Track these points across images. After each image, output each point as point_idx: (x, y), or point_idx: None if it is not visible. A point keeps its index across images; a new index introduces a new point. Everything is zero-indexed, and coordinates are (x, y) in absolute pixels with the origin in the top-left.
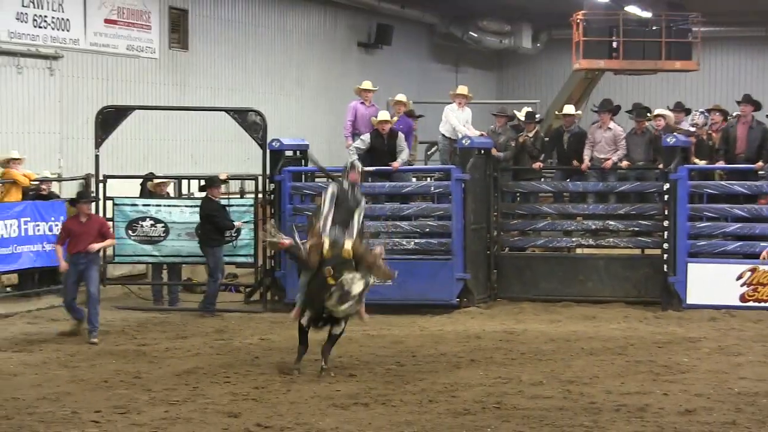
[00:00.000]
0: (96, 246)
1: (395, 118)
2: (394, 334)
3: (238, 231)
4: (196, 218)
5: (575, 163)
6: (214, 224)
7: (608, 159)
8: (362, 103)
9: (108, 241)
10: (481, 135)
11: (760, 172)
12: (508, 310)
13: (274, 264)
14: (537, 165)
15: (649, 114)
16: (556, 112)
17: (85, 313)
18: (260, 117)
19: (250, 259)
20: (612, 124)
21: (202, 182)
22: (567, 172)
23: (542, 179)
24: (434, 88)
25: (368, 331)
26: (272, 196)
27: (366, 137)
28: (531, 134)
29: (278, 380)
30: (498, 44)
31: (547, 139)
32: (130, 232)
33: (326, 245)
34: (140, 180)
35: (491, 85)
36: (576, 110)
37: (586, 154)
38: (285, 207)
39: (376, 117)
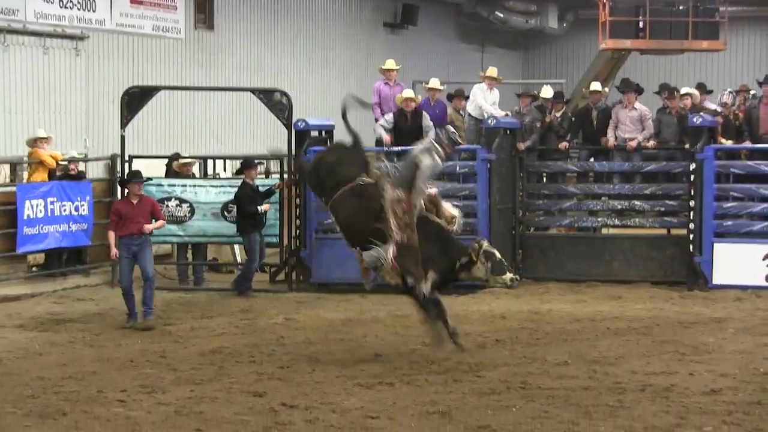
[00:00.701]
0: (150, 227)
1: (418, 97)
2: (415, 314)
3: (265, 213)
4: (222, 198)
5: (603, 140)
6: (239, 209)
7: (633, 139)
8: (386, 83)
9: (161, 222)
10: (507, 115)
11: None
12: (533, 290)
13: (299, 244)
14: (563, 145)
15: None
16: (584, 90)
17: (139, 310)
18: (286, 97)
19: (275, 239)
20: (638, 104)
21: (230, 163)
22: (592, 151)
23: (568, 159)
24: (460, 69)
25: (394, 311)
26: (297, 176)
27: (389, 117)
28: (558, 114)
29: (303, 360)
30: (524, 24)
31: (573, 118)
32: None
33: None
34: (166, 160)
35: (517, 65)
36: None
37: (610, 135)
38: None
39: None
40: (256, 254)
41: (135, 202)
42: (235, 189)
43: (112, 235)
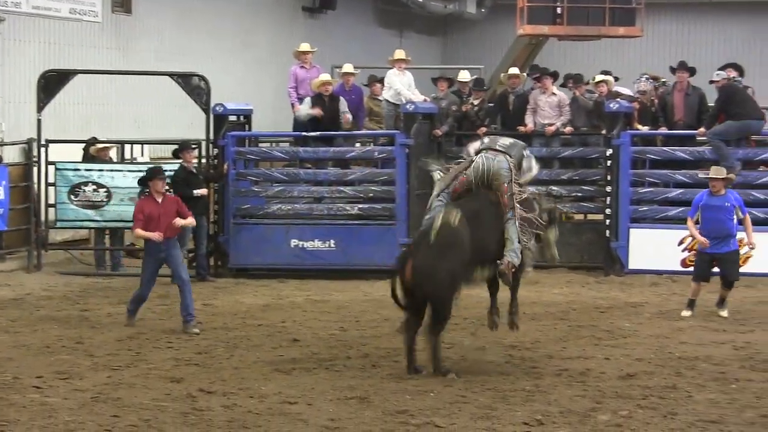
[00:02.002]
0: (181, 221)
1: (337, 80)
2: (337, 299)
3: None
4: None
5: (520, 129)
6: (174, 193)
7: (552, 125)
8: (302, 66)
9: (190, 219)
10: (425, 100)
11: (701, 138)
12: None
13: (217, 229)
14: (481, 130)
15: (591, 80)
16: (502, 75)
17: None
18: (204, 81)
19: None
20: (556, 89)
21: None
22: (511, 136)
23: None
24: (379, 54)
25: (312, 297)
26: (216, 161)
27: (308, 101)
28: (477, 102)
29: (221, 345)
30: (442, 9)
31: (491, 104)
32: (72, 197)
33: None
34: (83, 145)
35: (436, 50)
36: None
37: (529, 120)
38: (230, 173)
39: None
40: (186, 240)
41: (159, 200)
42: None
43: (143, 232)
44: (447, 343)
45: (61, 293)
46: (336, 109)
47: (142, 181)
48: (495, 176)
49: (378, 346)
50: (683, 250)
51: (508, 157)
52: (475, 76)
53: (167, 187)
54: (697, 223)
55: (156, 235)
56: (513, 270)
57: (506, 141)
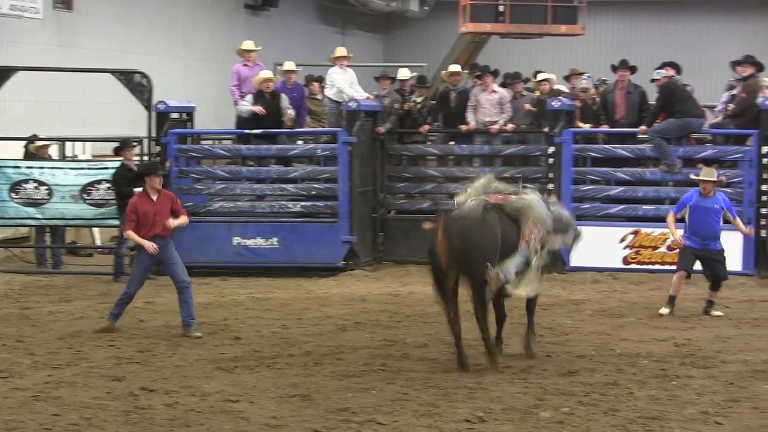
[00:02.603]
0: (174, 222)
1: (277, 77)
2: (279, 296)
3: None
4: (81, 180)
5: (462, 128)
6: (115, 191)
7: (494, 122)
8: (245, 64)
9: (183, 218)
10: (368, 98)
11: (641, 136)
12: (393, 273)
13: None
14: (424, 128)
15: (533, 78)
16: (443, 72)
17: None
18: (146, 79)
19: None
20: (497, 87)
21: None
22: (453, 134)
23: (428, 142)
24: (321, 51)
25: (254, 294)
26: (158, 158)
27: (249, 98)
28: (419, 99)
29: (163, 344)
30: (385, 7)
31: (434, 102)
32: (13, 194)
33: None
34: (24, 142)
35: (378, 48)
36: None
37: (470, 117)
38: (172, 171)
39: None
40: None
41: (155, 198)
42: (95, 171)
43: (135, 235)
44: (389, 341)
45: (1, 291)
46: (278, 107)
47: (138, 176)
48: (537, 217)
49: (320, 344)
50: (624, 248)
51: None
52: (416, 74)
53: (108, 185)
54: (681, 221)
55: (150, 246)
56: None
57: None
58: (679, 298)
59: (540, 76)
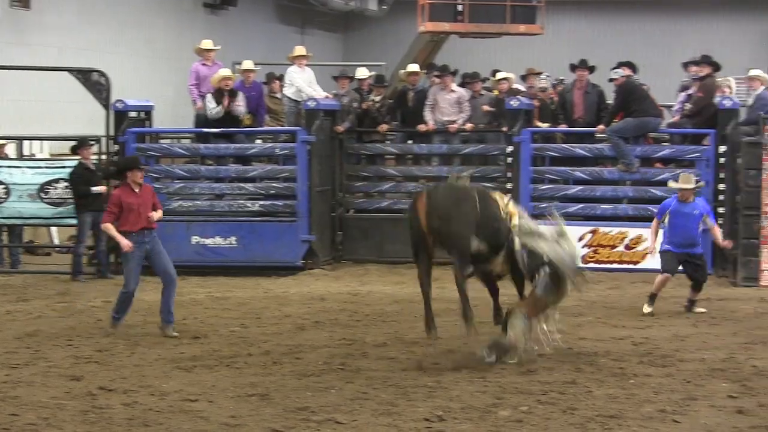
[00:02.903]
0: (156, 215)
1: (237, 76)
2: (238, 296)
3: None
4: (38, 179)
5: (421, 128)
6: (73, 189)
7: (453, 121)
8: (204, 63)
9: (160, 212)
10: (327, 97)
11: (600, 135)
12: (352, 272)
13: None
14: (383, 127)
15: (491, 78)
16: (401, 71)
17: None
18: (104, 77)
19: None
20: (455, 87)
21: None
22: (411, 133)
23: (387, 141)
24: (280, 50)
25: (213, 293)
26: (116, 157)
27: (209, 98)
28: (378, 99)
29: (122, 343)
30: (344, 6)
31: (391, 101)
32: None
33: None
34: None
35: (337, 47)
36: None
37: (428, 116)
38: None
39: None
40: (84, 236)
41: (137, 190)
42: (53, 170)
43: (112, 228)
44: (348, 340)
45: None
46: (236, 93)
47: (119, 171)
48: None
49: (279, 343)
50: (583, 247)
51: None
52: (374, 73)
53: (66, 184)
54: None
55: (126, 244)
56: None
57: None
58: (633, 297)
59: (498, 75)
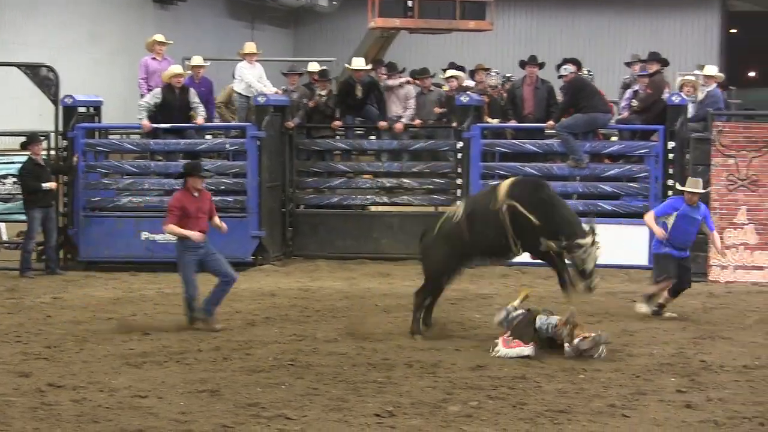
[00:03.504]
0: (224, 225)
1: (188, 72)
2: None
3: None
4: None
5: (382, 124)
6: (22, 185)
7: (400, 117)
8: (154, 58)
9: (224, 225)
10: (277, 93)
11: (549, 131)
12: (303, 268)
13: (67, 222)
14: (336, 124)
15: (441, 75)
16: (346, 65)
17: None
18: (52, 73)
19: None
20: (403, 83)
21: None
22: (362, 129)
23: (337, 137)
24: (231, 46)
25: (163, 289)
26: (65, 153)
27: (157, 92)
28: (324, 92)
29: (71, 339)
30: (294, 2)
31: (337, 91)
32: None
33: None
34: None
35: (288, 43)
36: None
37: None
38: (79, 166)
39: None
40: (34, 232)
41: (197, 195)
42: (2, 165)
43: (177, 228)
44: (298, 336)
45: None
46: (187, 101)
47: (181, 176)
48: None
49: (229, 339)
50: None
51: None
52: (322, 68)
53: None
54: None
55: (198, 235)
56: None
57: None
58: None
59: (448, 73)
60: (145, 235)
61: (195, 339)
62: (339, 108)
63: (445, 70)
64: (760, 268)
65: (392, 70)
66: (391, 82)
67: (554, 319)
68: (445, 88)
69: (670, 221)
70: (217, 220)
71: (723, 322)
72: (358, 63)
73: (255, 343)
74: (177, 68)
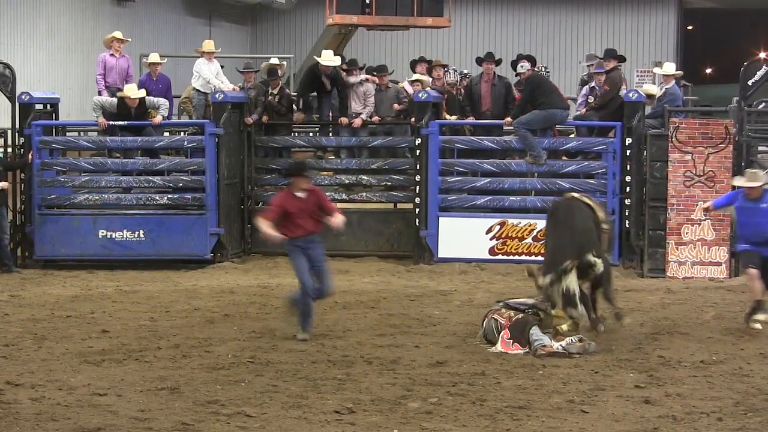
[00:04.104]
0: (339, 221)
1: (142, 93)
2: (147, 289)
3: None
4: None
5: (343, 120)
6: None
7: (359, 114)
8: (112, 55)
9: (339, 216)
10: (234, 89)
11: (507, 128)
12: (262, 265)
13: (24, 219)
14: (298, 116)
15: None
16: (315, 57)
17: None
18: (9, 69)
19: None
20: (362, 80)
21: None
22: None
23: (294, 133)
24: (187, 42)
25: (121, 287)
26: (21, 150)
27: (113, 105)
28: (276, 91)
29: (29, 337)
30: None
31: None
32: None
33: None
34: None
35: (245, 39)
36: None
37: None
38: (35, 162)
39: (125, 67)
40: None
41: (302, 196)
42: None
43: (265, 225)
44: (257, 333)
45: None
46: (144, 110)
47: (285, 176)
48: None
49: (189, 336)
50: (491, 239)
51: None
52: (271, 64)
53: None
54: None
55: (275, 237)
56: None
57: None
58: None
59: (414, 77)
60: (102, 232)
61: (154, 337)
62: (303, 95)
63: (413, 70)
64: (717, 264)
65: (352, 66)
66: (352, 80)
67: (546, 340)
68: (400, 84)
69: (736, 217)
70: (333, 218)
71: (681, 318)
72: (328, 56)
73: (214, 341)
74: (131, 90)
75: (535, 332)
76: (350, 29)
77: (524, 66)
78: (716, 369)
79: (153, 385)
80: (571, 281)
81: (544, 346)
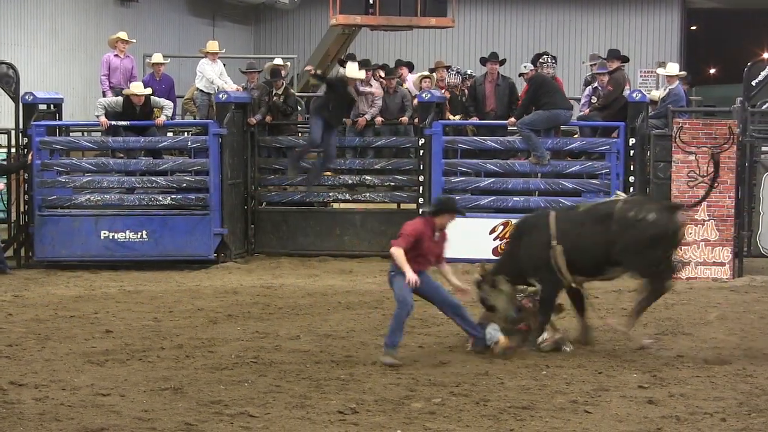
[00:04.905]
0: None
1: (148, 90)
2: (151, 289)
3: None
4: None
5: (347, 121)
6: None
7: (364, 114)
8: (116, 55)
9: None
10: (238, 89)
11: (511, 128)
12: (265, 265)
13: (28, 220)
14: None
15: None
16: (341, 70)
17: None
18: (12, 70)
19: (2, 215)
20: (372, 81)
21: None
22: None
23: (299, 134)
24: (191, 43)
25: (125, 287)
26: (25, 150)
27: (119, 102)
28: (280, 91)
29: (32, 337)
30: None
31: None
32: None
33: None
34: None
35: (248, 39)
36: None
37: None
38: (35, 163)
39: (129, 68)
40: None
41: (438, 234)
42: None
43: (402, 257)
44: (261, 333)
45: None
46: (149, 109)
47: (436, 213)
48: None
49: (192, 337)
50: (495, 239)
51: None
52: (275, 65)
53: None
54: None
55: (413, 280)
56: None
57: None
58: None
59: (423, 74)
60: (104, 233)
61: (158, 337)
62: (331, 102)
63: (392, 73)
64: (721, 264)
65: (365, 66)
66: (369, 89)
67: (497, 336)
68: (405, 86)
69: None
70: (445, 269)
71: (684, 318)
72: (353, 70)
73: (217, 341)
74: (137, 87)
75: (490, 329)
76: (354, 29)
77: (527, 66)
78: (720, 369)
79: (156, 385)
80: (498, 297)
81: (497, 342)
